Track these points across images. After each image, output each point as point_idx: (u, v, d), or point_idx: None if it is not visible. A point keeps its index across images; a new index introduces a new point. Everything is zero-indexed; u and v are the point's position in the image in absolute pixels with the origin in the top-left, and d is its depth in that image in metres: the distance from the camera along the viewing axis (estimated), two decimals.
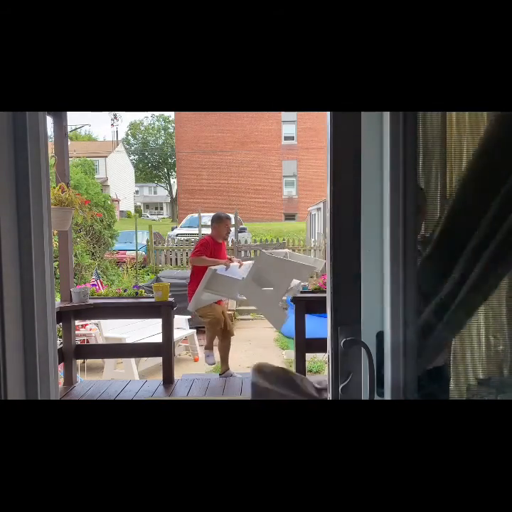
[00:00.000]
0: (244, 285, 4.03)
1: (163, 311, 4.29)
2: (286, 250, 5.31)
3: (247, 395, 4.04)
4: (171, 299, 4.28)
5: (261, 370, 2.10)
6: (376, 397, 1.05)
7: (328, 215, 1.10)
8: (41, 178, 1.14)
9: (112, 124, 33.31)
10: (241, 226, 15.74)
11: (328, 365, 1.11)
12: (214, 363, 4.96)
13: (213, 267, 4.24)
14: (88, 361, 5.73)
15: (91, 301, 4.24)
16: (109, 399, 3.91)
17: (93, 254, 9.98)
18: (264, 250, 4.95)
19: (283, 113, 26.58)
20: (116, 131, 46.48)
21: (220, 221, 4.79)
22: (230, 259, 4.84)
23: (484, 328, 1.20)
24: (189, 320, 6.32)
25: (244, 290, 4.06)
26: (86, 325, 5.76)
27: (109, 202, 11.05)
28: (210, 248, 4.60)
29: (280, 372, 2.27)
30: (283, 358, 6.27)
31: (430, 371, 1.21)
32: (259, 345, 6.97)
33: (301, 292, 4.35)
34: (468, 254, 1.07)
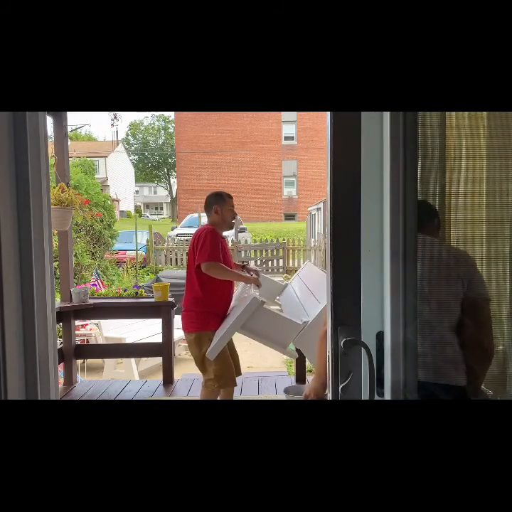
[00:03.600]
0: (306, 333, 2.47)
1: (163, 311, 4.28)
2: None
3: (247, 395, 4.03)
4: (171, 299, 4.28)
5: None
6: (376, 397, 1.05)
7: (328, 215, 1.10)
8: (41, 178, 1.14)
9: (112, 124, 33.30)
10: (241, 226, 15.74)
11: (328, 365, 1.11)
12: None
13: (257, 297, 2.66)
14: (88, 361, 5.73)
15: (91, 301, 4.25)
16: (109, 399, 3.91)
17: (93, 254, 9.98)
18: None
19: (283, 113, 26.59)
20: (116, 131, 46.53)
21: (222, 201, 3.09)
22: (255, 273, 3.29)
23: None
24: None
25: (302, 341, 2.53)
26: (86, 325, 5.76)
27: (109, 202, 11.05)
28: (221, 248, 3.02)
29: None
30: (283, 358, 6.27)
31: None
32: (259, 345, 6.94)
33: None
34: None
